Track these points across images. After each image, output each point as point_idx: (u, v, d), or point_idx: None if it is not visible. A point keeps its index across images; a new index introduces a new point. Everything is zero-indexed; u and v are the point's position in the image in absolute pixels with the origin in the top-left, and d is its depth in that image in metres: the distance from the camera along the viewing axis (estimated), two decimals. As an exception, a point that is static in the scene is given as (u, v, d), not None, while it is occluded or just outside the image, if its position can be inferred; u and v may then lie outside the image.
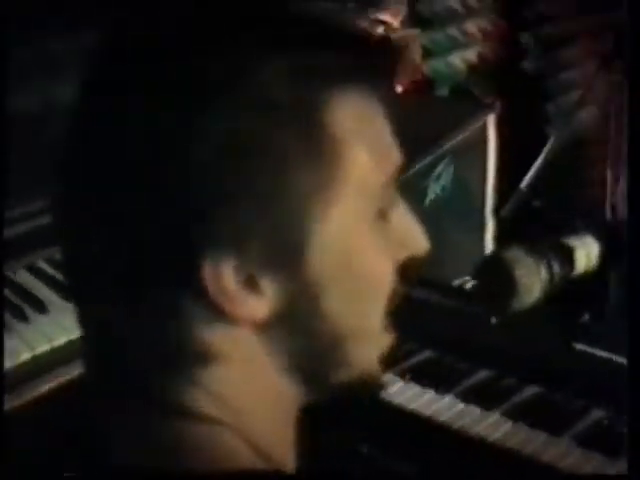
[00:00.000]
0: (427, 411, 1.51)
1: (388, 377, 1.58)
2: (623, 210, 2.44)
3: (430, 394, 1.55)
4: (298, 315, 0.70)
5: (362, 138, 0.71)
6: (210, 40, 0.69)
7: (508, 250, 0.98)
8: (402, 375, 1.59)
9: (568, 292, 2.06)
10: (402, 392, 1.56)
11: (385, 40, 0.64)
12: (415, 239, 0.76)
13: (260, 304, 0.69)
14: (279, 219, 0.68)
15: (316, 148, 0.69)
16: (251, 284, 0.68)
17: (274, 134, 0.67)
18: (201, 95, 0.67)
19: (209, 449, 0.68)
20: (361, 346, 0.74)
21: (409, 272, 0.75)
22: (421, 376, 1.59)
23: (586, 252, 0.99)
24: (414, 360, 1.64)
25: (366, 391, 0.79)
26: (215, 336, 0.69)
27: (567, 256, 0.97)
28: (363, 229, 0.71)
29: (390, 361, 1.50)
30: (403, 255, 0.75)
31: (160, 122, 0.67)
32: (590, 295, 1.96)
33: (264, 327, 0.70)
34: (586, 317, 1.99)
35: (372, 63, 0.73)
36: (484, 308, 1.48)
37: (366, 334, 0.74)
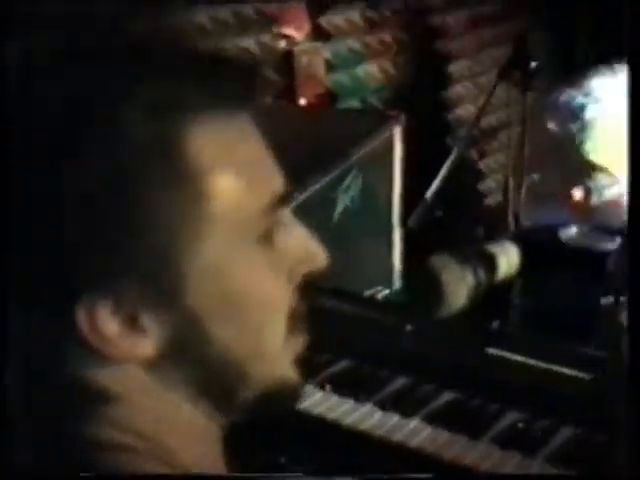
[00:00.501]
0: (347, 420, 1.52)
1: (307, 388, 1.58)
2: (526, 218, 2.50)
3: (349, 403, 1.56)
4: (186, 346, 0.70)
5: (228, 166, 0.70)
6: (70, 79, 0.67)
7: (435, 257, 1.00)
8: (321, 385, 1.60)
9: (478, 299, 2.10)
10: (322, 402, 1.57)
11: (247, 65, 0.63)
12: (311, 254, 0.76)
13: (144, 342, 0.69)
14: (151, 256, 0.67)
15: (179, 181, 0.67)
16: (132, 324, 0.68)
17: (133, 170, 0.66)
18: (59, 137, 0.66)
19: (129, 475, 0.68)
20: (260, 364, 0.74)
21: (310, 286, 0.76)
22: (340, 386, 1.60)
23: (507, 258, 1.02)
24: (332, 370, 1.65)
25: (280, 404, 0.79)
26: (105, 377, 0.69)
27: (490, 262, 1.00)
28: (243, 255, 0.71)
29: (308, 372, 1.51)
30: (300, 271, 0.75)
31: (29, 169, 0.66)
32: (498, 301, 2.01)
33: (154, 363, 0.70)
34: (496, 322, 2.04)
35: (230, 92, 0.71)
36: (411, 314, 1.50)
37: (263, 353, 0.74)
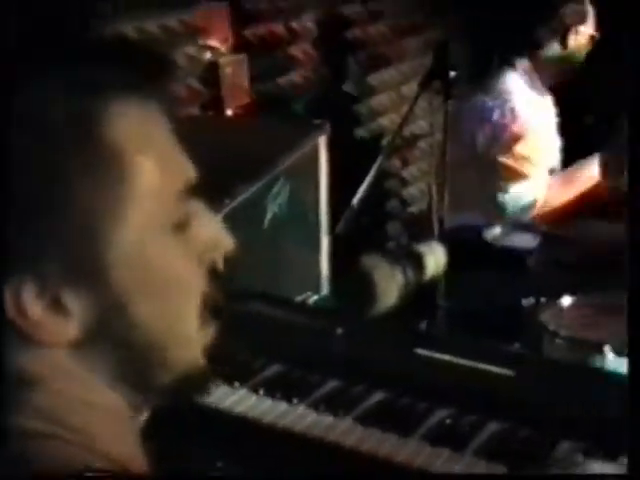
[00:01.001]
0: (281, 423, 1.55)
1: (242, 392, 1.62)
2: (450, 223, 2.56)
3: (283, 406, 1.59)
4: (110, 328, 0.73)
5: (146, 150, 0.73)
6: None
7: (365, 257, 1.04)
8: (255, 389, 1.63)
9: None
10: (255, 406, 1.60)
11: (162, 56, 0.66)
12: (219, 241, 0.80)
13: (68, 324, 0.71)
14: (73, 237, 0.70)
15: (98, 163, 0.70)
16: (56, 306, 0.70)
17: (52, 153, 0.68)
18: None
19: (48, 462, 0.69)
20: (177, 348, 0.77)
21: (221, 273, 0.80)
22: (273, 390, 1.63)
23: (434, 258, 1.07)
24: (264, 374, 1.69)
25: (194, 390, 0.83)
26: (32, 361, 0.71)
27: (418, 262, 1.05)
28: (161, 239, 0.74)
29: (241, 377, 1.54)
30: (210, 258, 0.79)
31: None
32: (426, 303, 2.07)
33: (79, 345, 0.72)
34: (424, 323, 2.10)
35: (148, 78, 0.74)
36: (341, 317, 1.55)
37: (180, 336, 0.77)
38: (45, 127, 0.68)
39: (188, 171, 0.77)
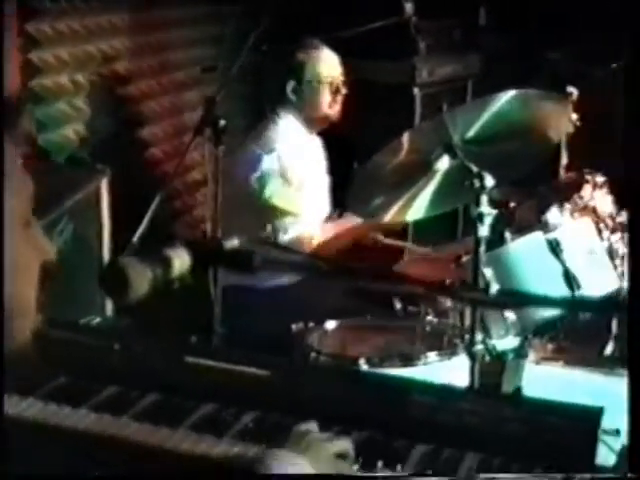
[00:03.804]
0: (66, 423, 1.78)
1: (29, 401, 1.84)
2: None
3: (67, 410, 1.82)
4: None
5: None
6: None
7: (123, 257, 1.32)
8: (45, 398, 1.85)
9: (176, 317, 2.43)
10: (42, 411, 1.82)
11: None
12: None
13: None
14: None
15: None
16: None
17: None
18: None
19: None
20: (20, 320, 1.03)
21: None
22: (59, 398, 1.86)
23: (180, 261, 1.35)
24: (53, 385, 1.91)
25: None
26: None
27: (166, 263, 1.33)
28: (19, 232, 1.03)
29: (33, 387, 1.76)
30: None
31: None
32: (196, 319, 2.34)
33: None
34: (194, 338, 2.37)
35: None
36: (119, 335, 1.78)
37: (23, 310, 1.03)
38: None
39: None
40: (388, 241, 3.61)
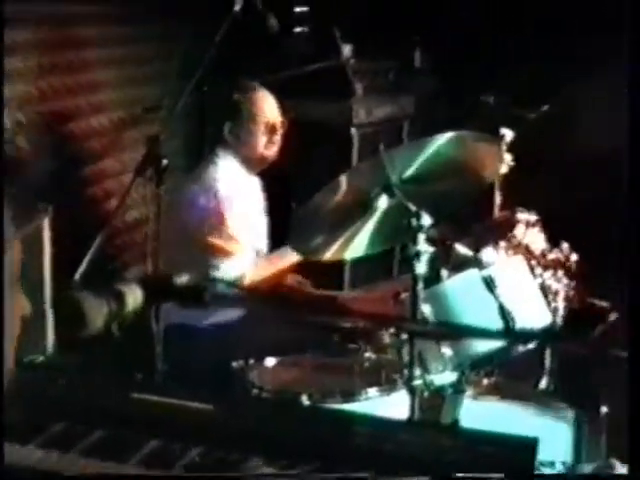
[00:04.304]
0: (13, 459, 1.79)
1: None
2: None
3: (15, 446, 1.83)
4: None
5: None
6: None
7: (79, 292, 1.36)
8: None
9: (123, 353, 2.45)
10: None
11: None
12: None
13: None
14: None
15: None
16: None
17: None
18: None
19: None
20: None
21: None
22: (7, 436, 1.86)
23: (133, 296, 1.39)
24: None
25: None
26: None
27: (120, 298, 1.37)
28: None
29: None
30: None
31: None
32: (139, 355, 2.36)
33: None
34: (138, 375, 2.40)
35: None
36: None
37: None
38: None
39: None
40: (317, 292, 3.65)
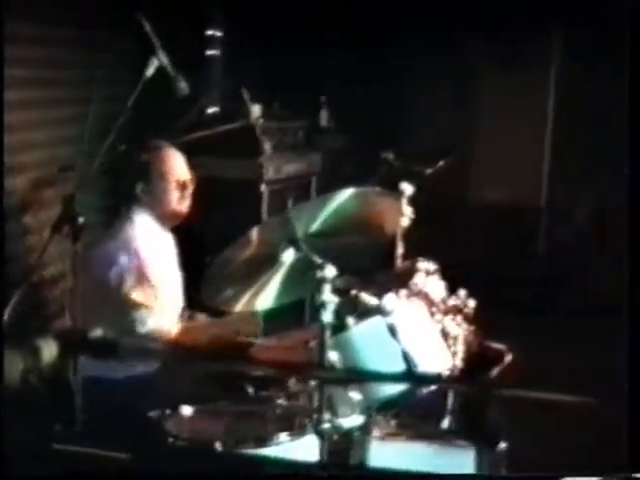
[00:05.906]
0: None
1: None
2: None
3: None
4: None
5: None
6: None
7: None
8: None
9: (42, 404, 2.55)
10: None
11: None
12: None
13: None
14: None
15: None
16: None
17: None
18: None
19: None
20: None
21: None
22: None
23: (49, 350, 1.50)
24: None
25: None
26: None
27: (37, 352, 1.48)
28: None
29: None
30: None
31: None
32: (59, 407, 2.45)
33: None
34: (59, 427, 2.48)
35: None
36: None
37: None
38: None
39: None
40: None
